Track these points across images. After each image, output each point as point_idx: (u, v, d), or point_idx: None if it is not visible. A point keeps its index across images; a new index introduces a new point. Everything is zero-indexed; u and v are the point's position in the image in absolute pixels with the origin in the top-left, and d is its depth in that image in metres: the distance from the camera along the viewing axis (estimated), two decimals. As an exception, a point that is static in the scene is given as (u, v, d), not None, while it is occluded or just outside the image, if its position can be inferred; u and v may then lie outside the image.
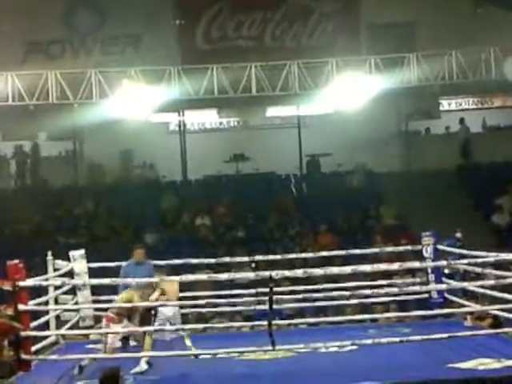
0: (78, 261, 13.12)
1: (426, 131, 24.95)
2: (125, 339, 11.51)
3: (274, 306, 11.03)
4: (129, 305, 10.94)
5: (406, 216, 20.99)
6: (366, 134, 23.26)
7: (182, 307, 12.45)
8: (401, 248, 15.03)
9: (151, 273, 11.84)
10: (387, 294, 13.09)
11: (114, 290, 12.62)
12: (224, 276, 12.28)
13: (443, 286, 13.08)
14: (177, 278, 11.54)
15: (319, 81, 21.07)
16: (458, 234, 13.51)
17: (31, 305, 11.34)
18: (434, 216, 19.22)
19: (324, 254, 14.63)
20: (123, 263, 12.42)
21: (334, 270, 12.08)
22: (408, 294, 13.57)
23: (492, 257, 11.54)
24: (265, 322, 10.88)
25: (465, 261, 12.18)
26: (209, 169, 23.59)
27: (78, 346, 12.52)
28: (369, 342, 11.08)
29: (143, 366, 10.69)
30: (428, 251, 13.54)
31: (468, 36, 22.05)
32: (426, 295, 13.57)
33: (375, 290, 12.40)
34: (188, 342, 11.82)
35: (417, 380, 9.76)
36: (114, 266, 13.35)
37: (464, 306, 12.87)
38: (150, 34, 24.51)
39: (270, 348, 10.80)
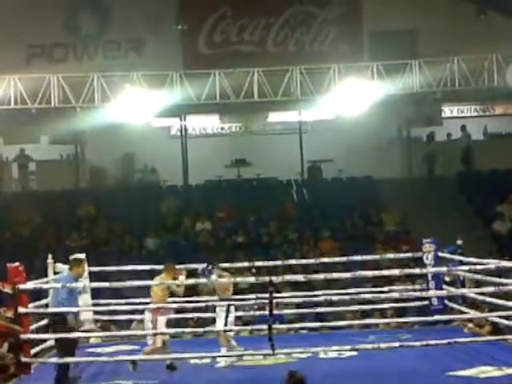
0: (79, 264, 13.08)
1: (427, 138, 24.93)
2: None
3: (274, 311, 11.02)
4: None
5: (407, 222, 20.97)
6: (367, 140, 23.28)
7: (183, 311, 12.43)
8: (402, 255, 15.04)
9: None
10: (387, 300, 13.09)
11: (114, 293, 12.62)
12: (224, 280, 12.25)
13: (443, 293, 13.08)
14: (177, 282, 11.51)
15: (321, 87, 21.03)
16: (459, 241, 13.52)
17: (31, 308, 11.33)
18: (434, 223, 19.21)
19: (325, 260, 14.61)
20: (62, 274, 11.70)
21: (335, 275, 12.07)
22: (408, 300, 13.56)
23: (493, 264, 11.54)
24: (265, 327, 10.87)
25: (465, 267, 12.18)
26: (210, 173, 23.56)
27: (78, 349, 12.48)
28: (369, 347, 11.07)
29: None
30: (429, 258, 13.53)
31: (470, 43, 22.02)
32: (427, 302, 13.57)
33: (375, 295, 12.40)
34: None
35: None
36: (114, 270, 13.37)
37: (464, 312, 12.86)
38: (153, 38, 24.54)
39: (270, 353, 10.79)
